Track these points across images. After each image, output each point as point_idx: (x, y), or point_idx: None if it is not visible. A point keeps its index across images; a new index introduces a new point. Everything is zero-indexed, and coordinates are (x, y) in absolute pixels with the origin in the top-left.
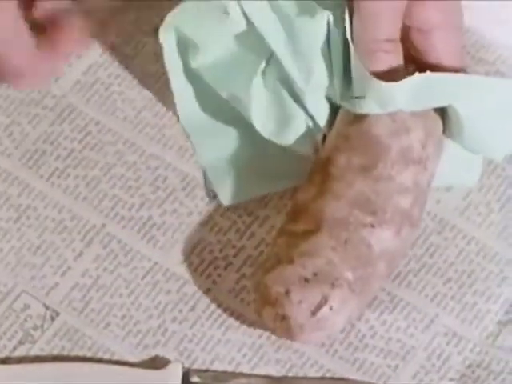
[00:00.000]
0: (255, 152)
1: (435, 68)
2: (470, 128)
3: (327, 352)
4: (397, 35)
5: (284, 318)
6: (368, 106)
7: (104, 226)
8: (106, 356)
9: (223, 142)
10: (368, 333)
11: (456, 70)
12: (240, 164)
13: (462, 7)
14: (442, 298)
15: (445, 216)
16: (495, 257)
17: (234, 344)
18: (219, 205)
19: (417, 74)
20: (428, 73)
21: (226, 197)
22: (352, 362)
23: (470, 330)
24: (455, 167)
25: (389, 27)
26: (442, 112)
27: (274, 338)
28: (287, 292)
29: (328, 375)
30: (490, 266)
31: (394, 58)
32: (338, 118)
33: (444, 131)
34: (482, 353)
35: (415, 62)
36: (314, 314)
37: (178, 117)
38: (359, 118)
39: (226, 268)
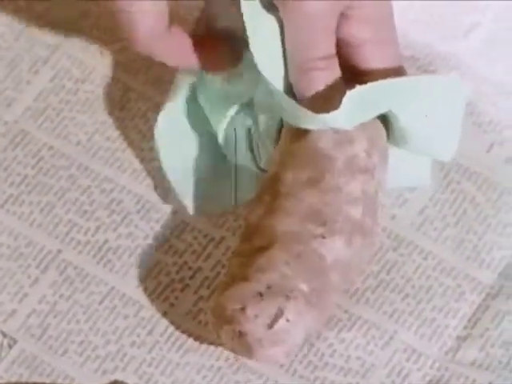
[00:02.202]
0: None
1: (368, 74)
2: (413, 132)
3: (287, 371)
4: (332, 51)
5: (241, 334)
6: (309, 125)
7: (60, 251)
8: (66, 382)
9: (188, 151)
10: (327, 351)
11: (392, 74)
12: (205, 174)
13: (415, 22)
14: (400, 314)
15: (400, 232)
16: (452, 271)
17: (193, 366)
18: (175, 227)
19: (348, 92)
20: (358, 87)
21: (192, 206)
22: (312, 380)
23: (430, 346)
24: (405, 169)
25: (323, 45)
26: (385, 121)
27: (232, 359)
28: (243, 308)
29: None
30: (447, 281)
31: (329, 74)
32: (282, 134)
33: (388, 139)
34: (441, 368)
35: (346, 71)
36: (270, 326)
37: (130, 140)
38: (303, 133)
39: (182, 290)
